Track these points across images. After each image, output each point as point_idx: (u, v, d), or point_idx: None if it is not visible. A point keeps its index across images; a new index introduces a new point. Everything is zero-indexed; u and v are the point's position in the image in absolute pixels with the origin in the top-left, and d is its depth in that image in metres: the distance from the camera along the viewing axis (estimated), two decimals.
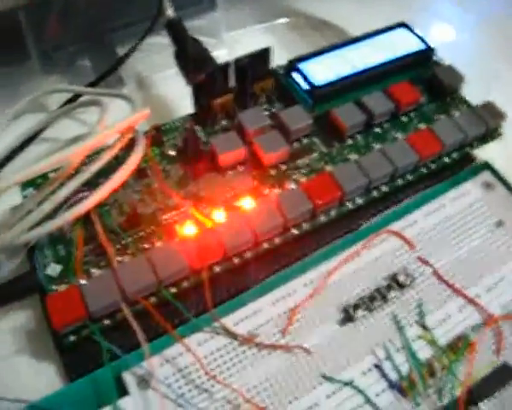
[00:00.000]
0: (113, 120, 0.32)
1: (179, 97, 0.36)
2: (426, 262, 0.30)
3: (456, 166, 0.34)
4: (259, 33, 0.43)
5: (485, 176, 0.33)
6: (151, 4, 0.37)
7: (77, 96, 0.37)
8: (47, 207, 0.28)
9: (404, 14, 0.39)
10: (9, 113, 0.36)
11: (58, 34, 0.37)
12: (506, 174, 0.33)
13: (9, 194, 0.28)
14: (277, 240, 0.29)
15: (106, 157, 0.30)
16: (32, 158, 0.35)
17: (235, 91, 0.33)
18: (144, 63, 0.39)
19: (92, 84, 0.37)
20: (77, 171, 0.29)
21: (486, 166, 0.34)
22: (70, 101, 0.37)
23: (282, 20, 0.44)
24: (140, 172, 0.31)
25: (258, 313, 0.28)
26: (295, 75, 0.34)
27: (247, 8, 0.43)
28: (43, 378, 0.27)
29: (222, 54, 0.40)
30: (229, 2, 0.41)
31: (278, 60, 0.36)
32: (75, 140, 0.35)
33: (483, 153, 0.35)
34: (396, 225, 0.31)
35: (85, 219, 0.30)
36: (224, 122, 0.34)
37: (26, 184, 0.31)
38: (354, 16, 0.43)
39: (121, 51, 0.39)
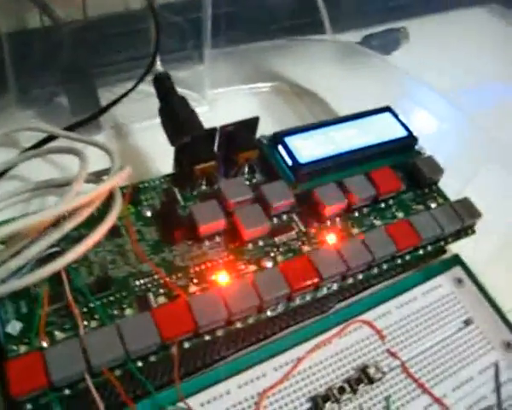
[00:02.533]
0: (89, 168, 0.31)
1: (159, 152, 0.36)
2: (395, 356, 0.30)
3: (428, 258, 0.34)
4: (243, 94, 0.43)
5: (456, 271, 0.34)
6: (138, 52, 0.37)
7: (50, 137, 0.35)
8: (14, 264, 0.26)
9: (385, 94, 0.39)
10: None
11: (40, 70, 0.36)
12: (476, 269, 0.34)
13: None
14: (250, 320, 0.29)
15: (82, 216, 0.29)
16: (1, 195, 0.34)
17: (221, 159, 0.33)
18: (125, 110, 0.38)
19: (70, 128, 0.36)
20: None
21: (457, 260, 0.34)
22: (45, 141, 0.36)
23: (266, 84, 0.44)
24: (113, 231, 0.30)
25: (224, 396, 0.27)
26: (280, 149, 0.34)
27: (233, 67, 0.43)
28: None
29: (203, 110, 0.40)
30: (216, 59, 0.40)
31: (261, 125, 0.35)
32: (48, 183, 0.34)
33: (454, 246, 0.35)
34: (368, 315, 0.31)
35: (52, 276, 0.28)
36: (203, 187, 0.33)
37: None
38: (335, 87, 0.43)
39: (102, 94, 0.38)
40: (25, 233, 0.27)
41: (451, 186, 0.36)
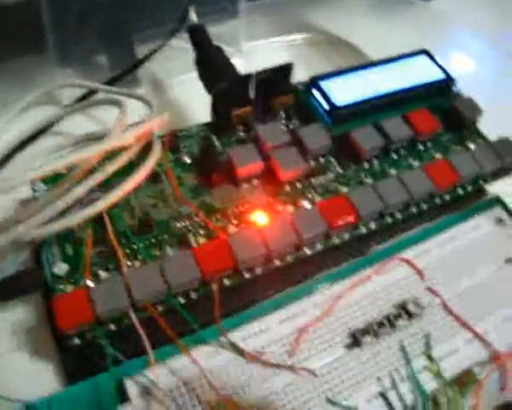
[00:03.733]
0: (128, 120, 0.32)
1: (196, 103, 0.36)
2: (435, 293, 0.30)
3: (468, 199, 0.34)
4: (277, 46, 0.43)
5: (497, 211, 0.33)
6: (174, 7, 0.37)
7: (91, 92, 0.36)
8: (60, 205, 0.27)
9: (422, 41, 0.39)
10: (22, 102, 0.36)
11: (78, 28, 0.37)
12: None
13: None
14: (289, 258, 0.29)
15: (122, 159, 0.30)
16: (43, 150, 0.35)
17: (257, 104, 0.33)
18: (162, 65, 0.39)
19: (108, 83, 0.36)
20: (91, 170, 0.29)
21: (498, 201, 0.34)
22: (84, 96, 0.37)
23: (301, 35, 0.44)
24: (154, 177, 0.31)
25: (265, 331, 0.27)
26: (316, 93, 0.34)
27: (268, 19, 0.43)
28: (41, 378, 0.27)
29: (239, 63, 0.40)
30: (251, 12, 0.40)
31: (295, 74, 0.35)
32: (88, 137, 0.35)
33: (494, 187, 0.35)
34: (407, 253, 0.31)
35: (96, 220, 0.29)
36: (240, 133, 0.34)
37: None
38: (372, 37, 0.43)
39: (140, 51, 0.39)
40: (69, 176, 0.28)
41: (491, 127, 0.35)
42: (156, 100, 0.38)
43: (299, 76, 0.36)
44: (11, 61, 0.38)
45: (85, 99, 0.36)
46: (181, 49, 0.38)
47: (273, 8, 0.43)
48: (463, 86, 0.36)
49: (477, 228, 0.33)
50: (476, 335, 0.29)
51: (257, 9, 0.41)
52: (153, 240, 0.29)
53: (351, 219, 0.29)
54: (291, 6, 0.44)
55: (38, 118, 0.35)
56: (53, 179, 0.30)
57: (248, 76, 0.32)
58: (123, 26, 0.37)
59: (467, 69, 0.42)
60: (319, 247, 0.30)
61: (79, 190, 0.28)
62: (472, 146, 0.35)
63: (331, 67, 0.37)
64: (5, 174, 0.33)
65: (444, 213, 0.33)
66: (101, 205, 0.28)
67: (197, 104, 0.35)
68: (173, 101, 0.38)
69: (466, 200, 0.34)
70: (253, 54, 0.41)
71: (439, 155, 0.34)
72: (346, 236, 0.30)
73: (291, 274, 0.29)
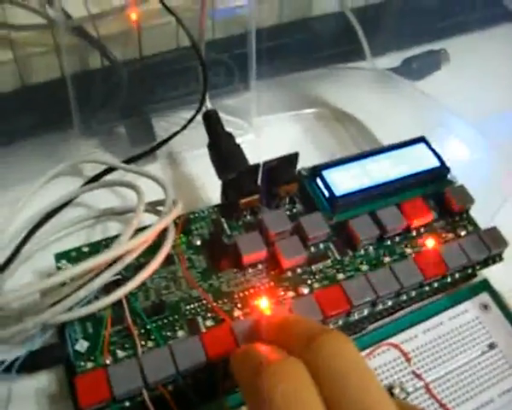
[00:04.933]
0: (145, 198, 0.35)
1: (209, 179, 0.38)
2: (420, 377, 0.33)
3: (457, 282, 0.37)
4: (287, 120, 0.46)
5: (483, 297, 0.36)
6: (188, 87, 0.40)
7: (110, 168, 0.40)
8: (82, 294, 0.31)
9: (417, 124, 0.42)
10: (47, 175, 0.39)
11: (100, 106, 0.40)
12: (504, 295, 0.36)
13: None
14: None
15: (141, 249, 0.33)
16: (65, 222, 0.38)
17: (264, 192, 0.36)
18: (178, 141, 0.42)
19: (129, 160, 0.39)
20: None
21: (485, 286, 0.37)
22: (106, 171, 0.40)
23: (309, 110, 0.47)
24: (167, 259, 0.34)
25: None
26: (318, 182, 0.37)
27: (277, 95, 0.46)
28: None
29: (250, 138, 0.43)
30: (261, 88, 0.43)
31: (301, 148, 0.37)
32: (108, 212, 0.38)
33: (483, 271, 0.37)
34: (396, 338, 0.34)
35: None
36: (248, 217, 0.37)
37: (60, 255, 0.34)
38: (375, 112, 0.46)
39: (158, 126, 0.42)
40: (91, 267, 0.31)
41: (482, 214, 0.38)
42: (171, 174, 0.42)
43: (306, 149, 0.38)
44: (39, 136, 0.41)
45: (106, 174, 0.40)
46: (197, 124, 0.41)
47: (282, 85, 0.46)
48: (455, 172, 0.39)
49: (463, 314, 0.35)
50: None
51: (267, 86, 0.44)
52: (165, 321, 0.32)
53: (344, 308, 0.32)
54: (299, 82, 0.47)
55: (61, 191, 0.38)
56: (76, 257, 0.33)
57: (256, 166, 0.35)
58: (142, 106, 0.41)
59: (459, 156, 0.45)
60: None
61: (101, 281, 0.31)
62: (463, 233, 0.37)
63: (336, 139, 0.40)
64: (29, 247, 0.36)
65: (432, 296, 0.36)
66: (122, 292, 0.31)
67: (210, 181, 0.38)
68: (188, 176, 0.42)
69: (455, 283, 0.36)
70: (263, 128, 0.44)
71: (431, 242, 0.36)
72: (340, 321, 0.33)
73: None
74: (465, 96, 0.46)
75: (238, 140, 0.39)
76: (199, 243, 0.35)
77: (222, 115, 0.41)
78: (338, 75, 0.47)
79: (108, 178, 0.39)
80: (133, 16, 0.39)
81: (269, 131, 0.43)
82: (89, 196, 0.39)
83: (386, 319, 0.35)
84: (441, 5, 0.52)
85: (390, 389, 0.32)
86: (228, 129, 0.39)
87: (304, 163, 0.38)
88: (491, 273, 0.37)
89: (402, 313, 0.35)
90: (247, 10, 0.40)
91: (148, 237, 0.32)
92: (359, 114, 0.46)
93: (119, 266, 0.32)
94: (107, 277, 0.31)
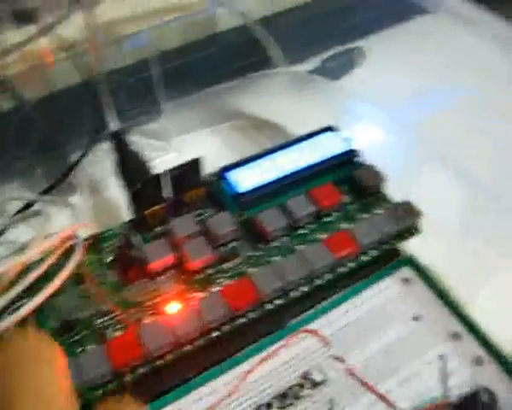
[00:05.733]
0: (59, 226, 0.35)
1: (124, 202, 0.39)
2: (340, 359, 0.32)
3: (380, 262, 0.36)
4: (206, 136, 0.46)
5: (404, 271, 0.35)
6: (100, 114, 0.41)
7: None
8: None
9: (334, 118, 0.42)
10: None
11: (16, 146, 0.41)
12: (427, 267, 0.35)
13: None
14: (198, 342, 0.31)
15: (45, 266, 0.33)
16: None
17: (170, 200, 0.36)
18: (96, 168, 0.42)
19: (44, 192, 0.40)
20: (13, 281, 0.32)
21: (406, 261, 0.36)
22: (27, 206, 0.40)
23: (226, 123, 0.47)
24: (77, 279, 0.34)
25: None
26: (224, 182, 0.37)
27: (192, 113, 0.47)
28: None
29: (171, 158, 0.44)
30: (177, 107, 0.44)
31: (223, 161, 0.38)
32: (24, 246, 0.39)
33: (410, 247, 0.37)
34: (314, 324, 0.33)
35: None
36: (159, 228, 0.36)
37: None
38: (291, 116, 0.46)
39: (73, 157, 0.43)
40: None
41: (398, 193, 0.37)
42: (91, 202, 0.42)
43: (228, 161, 0.38)
44: None
45: (28, 208, 0.40)
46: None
47: (195, 103, 0.46)
48: (371, 157, 0.39)
49: (384, 290, 0.35)
50: (380, 396, 0.30)
51: (179, 106, 0.45)
52: (76, 337, 0.32)
53: (252, 299, 0.32)
54: (214, 97, 0.47)
55: None
56: None
57: (157, 176, 0.35)
58: (54, 140, 0.41)
59: (374, 140, 0.45)
60: (226, 329, 0.32)
61: (2, 302, 0.31)
62: (376, 212, 0.37)
63: (257, 147, 0.40)
64: None
65: (354, 279, 0.35)
66: (25, 311, 0.31)
67: (125, 202, 0.38)
68: (106, 201, 0.42)
69: (377, 263, 0.36)
70: (184, 146, 0.45)
71: (345, 225, 0.36)
72: (253, 315, 0.32)
73: (201, 357, 0.32)
74: (383, 88, 0.47)
75: (159, 161, 0.40)
76: (109, 259, 0.35)
77: (142, 140, 0.42)
78: (252, 85, 0.48)
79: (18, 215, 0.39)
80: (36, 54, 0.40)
81: (190, 149, 0.43)
82: (14, 232, 0.40)
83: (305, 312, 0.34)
84: (357, 4, 0.54)
85: (307, 374, 0.31)
86: (148, 152, 0.40)
87: None
88: (413, 249, 0.36)
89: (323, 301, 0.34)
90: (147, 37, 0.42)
91: (27, 256, 0.32)
92: (276, 117, 0.46)
93: (22, 285, 0.32)
94: (7, 298, 0.31)
